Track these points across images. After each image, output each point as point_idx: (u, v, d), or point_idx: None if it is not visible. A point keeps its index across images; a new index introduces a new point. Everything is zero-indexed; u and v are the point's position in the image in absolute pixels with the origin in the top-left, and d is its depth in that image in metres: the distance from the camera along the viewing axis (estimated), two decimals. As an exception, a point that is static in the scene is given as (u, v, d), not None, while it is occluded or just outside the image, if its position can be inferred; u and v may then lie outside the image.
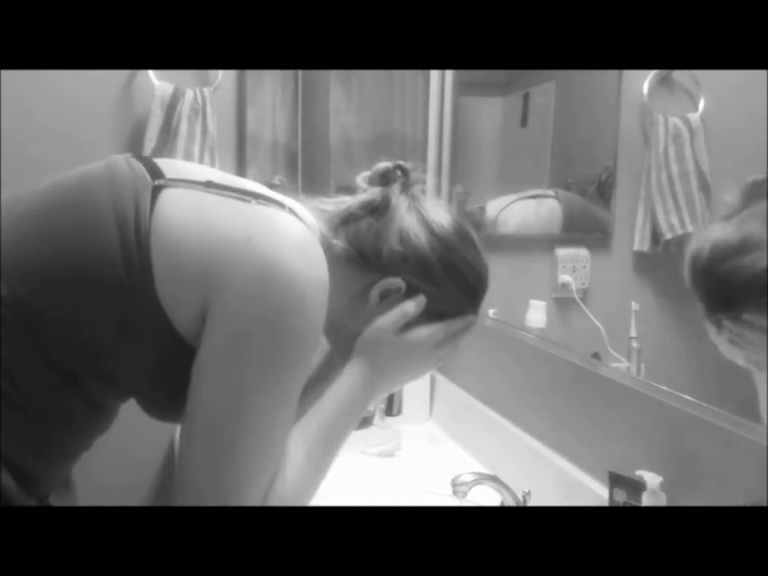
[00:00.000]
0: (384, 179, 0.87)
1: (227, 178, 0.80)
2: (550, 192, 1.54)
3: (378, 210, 0.84)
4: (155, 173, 0.75)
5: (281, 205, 0.77)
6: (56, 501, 0.80)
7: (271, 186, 0.85)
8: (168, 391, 0.75)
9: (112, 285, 0.70)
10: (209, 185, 0.76)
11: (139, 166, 0.76)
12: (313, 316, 0.73)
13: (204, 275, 0.71)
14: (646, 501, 0.93)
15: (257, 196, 0.76)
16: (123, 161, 0.77)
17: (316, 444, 0.78)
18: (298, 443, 0.76)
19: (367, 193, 0.86)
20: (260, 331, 0.70)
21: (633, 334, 1.20)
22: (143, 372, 0.75)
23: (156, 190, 0.73)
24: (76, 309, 0.71)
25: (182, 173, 0.77)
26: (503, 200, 1.61)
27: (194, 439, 0.72)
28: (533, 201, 1.58)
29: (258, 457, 0.72)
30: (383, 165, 0.88)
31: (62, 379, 0.72)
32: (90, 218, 0.72)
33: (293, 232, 0.74)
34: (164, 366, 0.74)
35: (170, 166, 0.78)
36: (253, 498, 0.72)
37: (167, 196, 0.73)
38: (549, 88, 1.54)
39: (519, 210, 1.60)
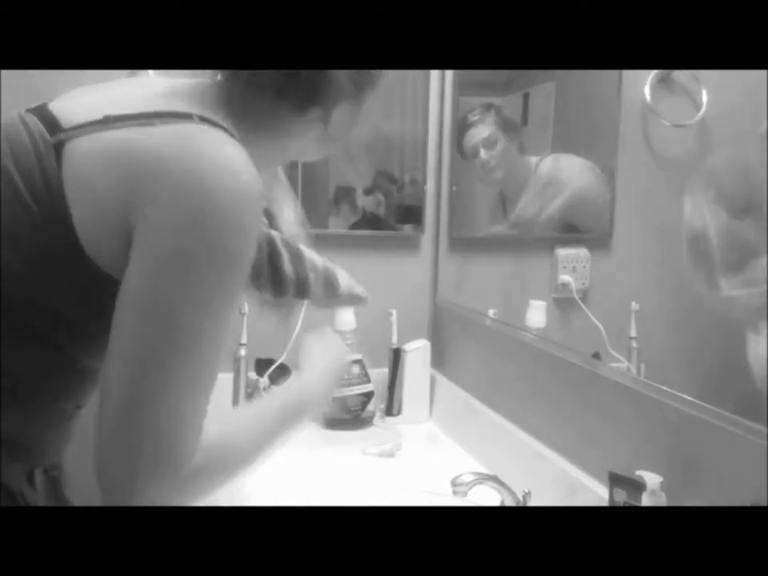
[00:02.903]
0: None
1: (125, 102, 0.77)
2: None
3: None
4: (53, 126, 0.74)
5: (187, 116, 0.74)
6: (36, 495, 0.79)
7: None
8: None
9: (39, 241, 0.71)
10: (107, 121, 0.73)
11: (36, 124, 0.74)
12: (241, 225, 0.70)
13: (122, 206, 0.70)
14: (646, 501, 0.93)
15: (160, 115, 0.74)
16: (19, 123, 0.75)
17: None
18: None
19: None
20: (184, 247, 0.68)
21: (633, 334, 1.20)
22: (86, 319, 0.74)
23: (58, 147, 0.72)
24: (16, 265, 0.71)
25: (78, 115, 0.75)
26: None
27: (118, 365, 0.68)
28: (577, 157, 1.50)
29: (187, 380, 0.68)
30: None
31: (28, 336, 0.72)
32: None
33: (205, 141, 0.72)
34: (104, 310, 0.72)
35: (67, 111, 0.76)
36: (188, 423, 0.69)
37: (70, 150, 0.72)
38: (549, 88, 1.54)
39: (563, 160, 1.53)
